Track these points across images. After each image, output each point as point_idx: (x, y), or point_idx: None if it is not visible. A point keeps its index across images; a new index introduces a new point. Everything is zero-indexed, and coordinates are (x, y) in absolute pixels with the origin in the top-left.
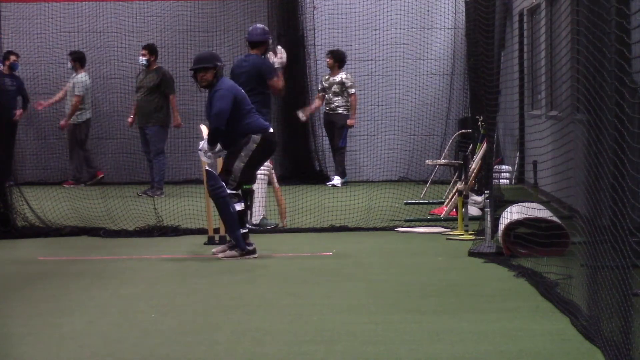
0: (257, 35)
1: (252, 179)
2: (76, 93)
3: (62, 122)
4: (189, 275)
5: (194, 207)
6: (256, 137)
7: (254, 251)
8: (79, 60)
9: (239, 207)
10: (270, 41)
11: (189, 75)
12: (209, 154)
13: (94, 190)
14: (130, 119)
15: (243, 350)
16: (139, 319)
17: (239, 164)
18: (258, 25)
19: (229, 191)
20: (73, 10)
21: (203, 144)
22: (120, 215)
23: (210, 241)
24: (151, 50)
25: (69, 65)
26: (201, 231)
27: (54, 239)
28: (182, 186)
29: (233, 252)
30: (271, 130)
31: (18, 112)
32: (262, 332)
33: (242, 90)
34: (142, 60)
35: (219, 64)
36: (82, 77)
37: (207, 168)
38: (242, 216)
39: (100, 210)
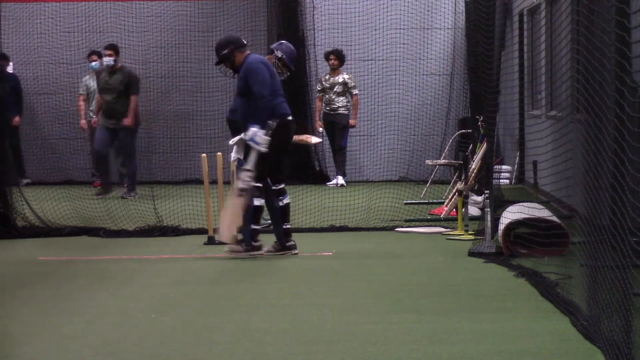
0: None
1: None
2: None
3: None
4: (189, 275)
5: (194, 207)
6: None
7: (260, 247)
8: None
9: (258, 202)
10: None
11: (188, 75)
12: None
13: (94, 190)
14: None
15: (243, 350)
16: (139, 319)
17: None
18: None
19: (255, 184)
20: (73, 10)
21: (255, 134)
22: (120, 215)
23: (210, 241)
24: (116, 50)
25: (111, 60)
26: (201, 231)
27: (54, 239)
28: (182, 186)
29: (238, 247)
30: None
31: (16, 118)
32: (262, 332)
33: None
34: (110, 61)
35: (232, 45)
36: None
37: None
38: (257, 213)
39: (100, 210)
